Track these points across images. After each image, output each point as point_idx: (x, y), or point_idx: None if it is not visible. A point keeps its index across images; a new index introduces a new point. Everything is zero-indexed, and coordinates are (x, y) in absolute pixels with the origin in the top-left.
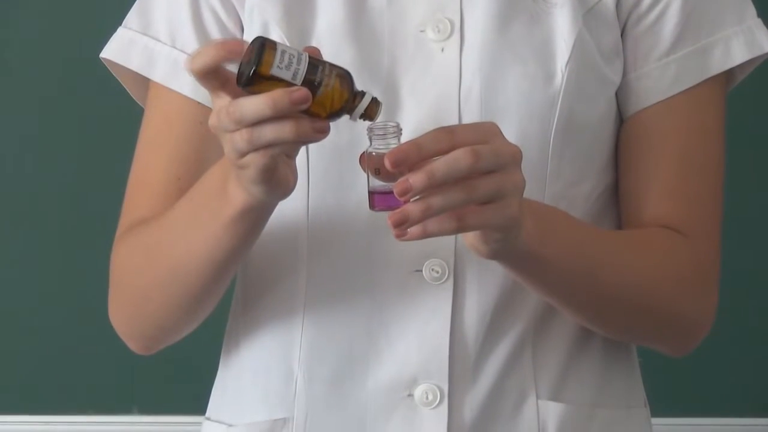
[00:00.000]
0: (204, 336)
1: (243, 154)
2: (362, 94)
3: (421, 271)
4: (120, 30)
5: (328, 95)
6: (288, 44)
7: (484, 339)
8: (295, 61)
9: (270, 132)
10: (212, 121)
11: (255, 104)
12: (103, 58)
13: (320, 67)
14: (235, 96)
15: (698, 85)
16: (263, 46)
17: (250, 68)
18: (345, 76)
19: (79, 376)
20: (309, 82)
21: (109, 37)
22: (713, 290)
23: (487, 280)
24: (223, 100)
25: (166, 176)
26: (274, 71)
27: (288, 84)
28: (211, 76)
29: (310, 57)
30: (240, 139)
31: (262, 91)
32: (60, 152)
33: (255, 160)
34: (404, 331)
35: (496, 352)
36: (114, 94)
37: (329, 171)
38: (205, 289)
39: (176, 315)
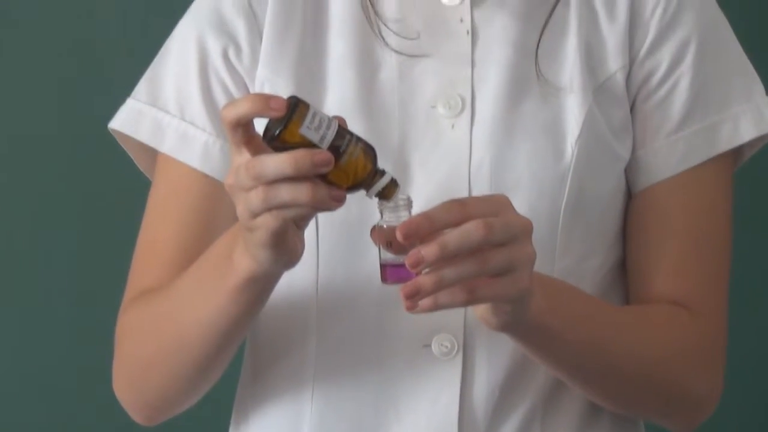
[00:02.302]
0: (214, 406)
1: (256, 215)
2: (382, 172)
3: (430, 346)
4: (129, 101)
5: (351, 165)
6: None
7: (493, 414)
8: (324, 125)
9: (286, 193)
10: (229, 179)
11: (276, 161)
12: (112, 129)
13: (347, 137)
14: (256, 155)
15: (706, 162)
16: (296, 105)
17: (279, 124)
18: (369, 151)
19: None
20: (334, 149)
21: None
22: (719, 367)
23: (496, 354)
24: (244, 157)
25: (173, 247)
26: (303, 131)
27: (313, 146)
28: (241, 129)
29: (339, 125)
30: (255, 197)
31: (286, 149)
32: (60, 220)
33: (266, 222)
34: (413, 405)
35: (505, 426)
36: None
37: (339, 244)
38: (209, 358)
39: (180, 385)
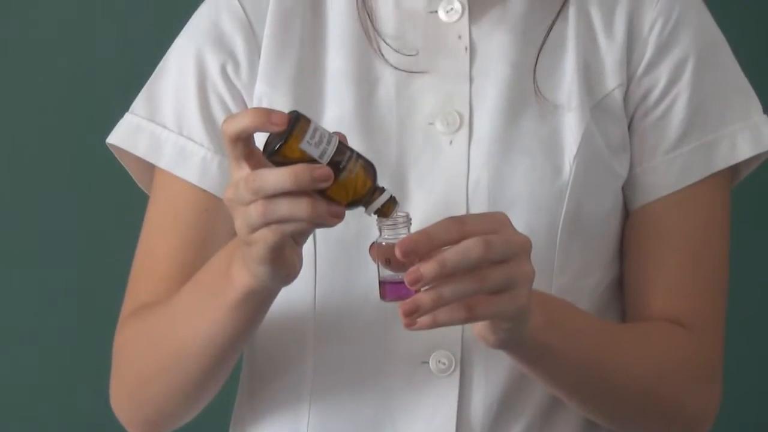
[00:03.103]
0: (211, 421)
1: (254, 229)
2: (382, 189)
3: (428, 362)
4: (127, 116)
5: (350, 181)
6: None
7: (490, 430)
8: (325, 140)
9: (285, 207)
10: (228, 193)
11: (275, 175)
12: (109, 144)
13: (348, 153)
14: (256, 169)
15: (704, 179)
16: (298, 119)
17: (280, 139)
18: (369, 168)
19: None
20: (334, 164)
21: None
22: (716, 383)
23: (493, 371)
24: (243, 171)
25: (170, 262)
26: (303, 146)
27: (313, 162)
28: (241, 143)
29: (339, 141)
30: (254, 211)
31: (286, 164)
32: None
33: (264, 237)
34: (410, 422)
35: None
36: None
37: (337, 261)
38: (206, 373)
39: (177, 400)
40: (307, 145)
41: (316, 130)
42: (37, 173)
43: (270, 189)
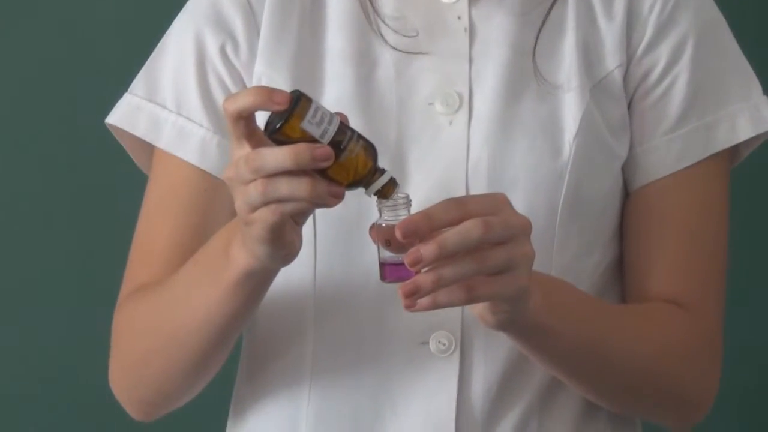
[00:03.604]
0: (211, 403)
1: (254, 208)
2: (382, 171)
3: (428, 343)
4: (126, 96)
5: (351, 162)
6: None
7: (490, 411)
8: (326, 120)
9: (285, 186)
10: (229, 172)
11: (276, 154)
12: (108, 124)
13: (349, 133)
14: (256, 148)
15: (703, 160)
16: (299, 99)
17: (281, 118)
18: (370, 149)
19: None
20: (335, 144)
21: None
22: (716, 364)
23: (493, 352)
24: (244, 150)
25: (169, 243)
26: (304, 125)
27: (314, 142)
28: (242, 122)
29: (340, 121)
30: (254, 190)
31: (287, 144)
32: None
33: (264, 216)
34: (410, 403)
35: (502, 424)
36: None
37: (337, 241)
38: (205, 353)
39: (176, 380)
40: (309, 125)
41: (317, 109)
42: (36, 160)
43: (270, 168)
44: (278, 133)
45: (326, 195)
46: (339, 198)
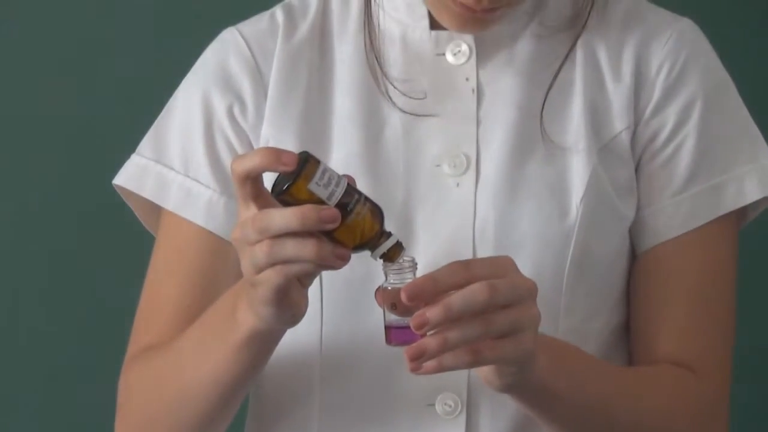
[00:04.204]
0: None
1: (260, 269)
2: (388, 234)
3: (434, 405)
4: (133, 157)
5: (357, 224)
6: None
7: None
8: (333, 182)
9: (291, 248)
10: (235, 233)
11: (283, 215)
12: (116, 185)
13: (356, 196)
14: (263, 209)
15: (711, 222)
16: (307, 160)
17: (289, 179)
18: (377, 212)
19: None
20: (342, 206)
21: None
22: (722, 427)
23: (499, 414)
24: (250, 212)
25: (176, 304)
26: (312, 186)
27: (321, 203)
28: (250, 182)
29: (348, 183)
30: (260, 251)
31: (294, 204)
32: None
33: (270, 278)
34: None
35: None
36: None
37: (344, 303)
38: (212, 414)
39: None
40: (316, 186)
41: (325, 171)
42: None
43: (276, 229)
44: (285, 194)
45: (332, 257)
46: (345, 260)
